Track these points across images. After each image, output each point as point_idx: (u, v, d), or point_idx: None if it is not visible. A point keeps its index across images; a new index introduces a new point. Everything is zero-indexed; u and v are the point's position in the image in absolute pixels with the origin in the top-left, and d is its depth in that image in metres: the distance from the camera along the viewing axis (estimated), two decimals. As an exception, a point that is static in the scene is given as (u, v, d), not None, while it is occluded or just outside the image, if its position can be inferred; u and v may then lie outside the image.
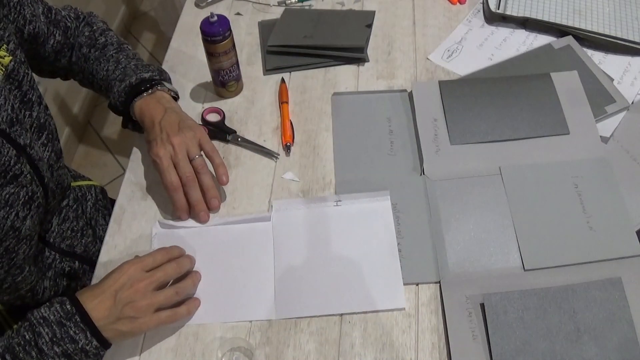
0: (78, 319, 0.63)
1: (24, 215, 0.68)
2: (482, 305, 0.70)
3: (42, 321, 0.63)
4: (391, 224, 0.78)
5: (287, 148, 0.87)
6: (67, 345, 0.62)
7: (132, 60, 0.85)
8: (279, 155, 0.87)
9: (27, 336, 0.63)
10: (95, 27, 0.87)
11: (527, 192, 0.79)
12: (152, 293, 0.67)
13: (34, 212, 0.70)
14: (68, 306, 0.64)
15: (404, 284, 0.73)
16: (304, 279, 0.74)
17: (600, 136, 0.84)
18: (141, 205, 0.84)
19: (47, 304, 0.65)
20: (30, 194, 0.69)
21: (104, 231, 0.90)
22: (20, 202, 0.68)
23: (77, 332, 0.63)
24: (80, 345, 0.63)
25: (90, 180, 0.96)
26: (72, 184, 0.90)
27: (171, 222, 0.80)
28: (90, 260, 0.84)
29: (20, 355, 0.62)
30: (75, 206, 0.85)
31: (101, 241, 0.87)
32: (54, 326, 0.63)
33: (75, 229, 0.84)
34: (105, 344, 0.65)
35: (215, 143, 0.90)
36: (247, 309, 0.73)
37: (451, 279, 0.73)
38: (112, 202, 1.00)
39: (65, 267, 0.82)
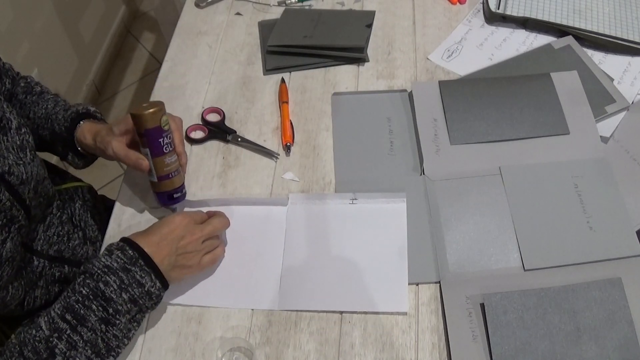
0: (142, 263, 0.66)
1: (2, 238, 0.66)
2: (482, 305, 0.70)
3: (106, 270, 0.65)
4: (404, 227, 0.77)
5: (287, 148, 0.87)
6: (134, 290, 0.65)
7: (72, 104, 0.86)
8: (279, 155, 0.87)
9: (84, 291, 0.64)
10: (29, 80, 0.88)
11: (527, 192, 0.79)
12: (201, 244, 0.71)
13: (14, 234, 0.69)
14: (130, 251, 0.66)
15: (404, 284, 0.73)
16: (311, 273, 0.75)
17: (600, 136, 0.84)
18: (141, 205, 0.84)
19: (105, 252, 0.67)
20: (8, 217, 0.67)
21: (94, 231, 0.89)
22: None
23: (142, 275, 0.66)
24: (146, 288, 0.66)
25: (78, 181, 0.95)
26: (61, 187, 0.89)
27: (195, 200, 0.82)
28: (79, 263, 0.84)
29: (82, 312, 0.63)
30: (59, 213, 0.84)
31: (91, 242, 0.87)
32: (120, 273, 0.65)
33: (61, 234, 0.83)
34: (165, 285, 0.68)
35: (215, 143, 0.90)
36: (251, 297, 0.74)
37: (451, 279, 0.73)
38: (111, 202, 1.00)
39: (56, 272, 0.81)
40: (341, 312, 0.72)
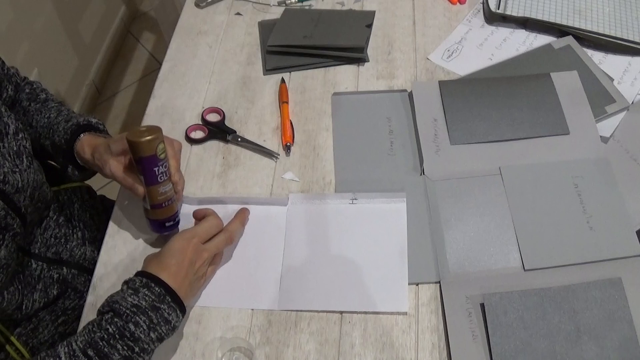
0: (169, 299, 0.65)
1: None
2: (482, 305, 0.70)
3: (135, 310, 0.63)
4: (404, 227, 0.77)
5: (287, 148, 0.87)
6: (162, 328, 0.64)
7: (76, 113, 0.84)
8: (279, 155, 0.87)
9: (110, 329, 0.62)
10: (35, 86, 0.86)
11: (527, 192, 0.79)
12: (208, 264, 0.72)
13: (9, 241, 0.67)
14: (157, 288, 0.65)
15: (404, 284, 0.73)
16: (311, 273, 0.75)
17: (600, 136, 0.84)
18: (140, 206, 0.84)
19: (130, 291, 0.64)
20: (2, 225, 0.66)
21: (93, 232, 0.89)
22: None
23: (170, 312, 0.65)
24: (172, 324, 0.65)
25: (77, 181, 0.95)
26: (59, 187, 0.88)
27: (195, 197, 0.82)
28: (77, 264, 0.83)
29: (105, 350, 0.61)
30: (55, 216, 0.83)
31: (90, 242, 0.87)
32: (149, 312, 0.63)
33: (58, 236, 0.82)
34: (184, 313, 0.68)
35: (215, 143, 0.90)
36: (251, 297, 0.74)
37: (451, 279, 0.73)
38: (111, 202, 0.99)
39: (54, 274, 0.80)
40: (341, 312, 0.72)
